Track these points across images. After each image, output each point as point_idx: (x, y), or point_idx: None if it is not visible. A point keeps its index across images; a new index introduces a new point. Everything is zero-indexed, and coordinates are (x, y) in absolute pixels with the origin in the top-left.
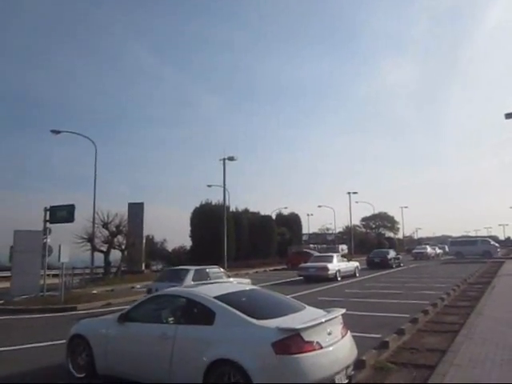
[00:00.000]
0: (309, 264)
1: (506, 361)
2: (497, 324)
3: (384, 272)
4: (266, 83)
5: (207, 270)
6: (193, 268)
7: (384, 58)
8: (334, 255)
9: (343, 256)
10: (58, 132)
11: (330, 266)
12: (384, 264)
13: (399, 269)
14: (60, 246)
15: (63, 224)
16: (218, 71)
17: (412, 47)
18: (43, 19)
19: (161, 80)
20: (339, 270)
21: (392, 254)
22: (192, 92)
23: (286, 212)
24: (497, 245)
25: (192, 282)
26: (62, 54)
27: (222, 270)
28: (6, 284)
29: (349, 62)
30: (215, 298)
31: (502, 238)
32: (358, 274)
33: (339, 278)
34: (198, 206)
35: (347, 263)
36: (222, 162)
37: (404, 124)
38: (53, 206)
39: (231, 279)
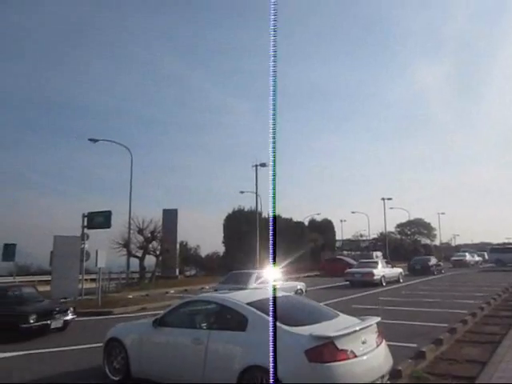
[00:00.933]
0: (355, 270)
1: None
2: None
3: (425, 279)
4: (296, 88)
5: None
6: (255, 271)
7: (418, 58)
8: (379, 261)
9: (387, 262)
10: (95, 140)
11: (375, 271)
12: (425, 271)
13: (440, 276)
14: (97, 252)
15: (100, 230)
16: (247, 76)
17: (448, 46)
18: (76, 25)
19: (191, 86)
20: (384, 276)
21: (433, 260)
22: (220, 97)
23: (319, 218)
24: None
25: (255, 284)
26: (97, 63)
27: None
28: (47, 287)
29: (382, 65)
30: (248, 304)
31: None
32: (401, 280)
33: (384, 284)
34: (230, 212)
35: (391, 269)
36: (254, 168)
37: (441, 126)
38: (91, 213)
39: (290, 283)
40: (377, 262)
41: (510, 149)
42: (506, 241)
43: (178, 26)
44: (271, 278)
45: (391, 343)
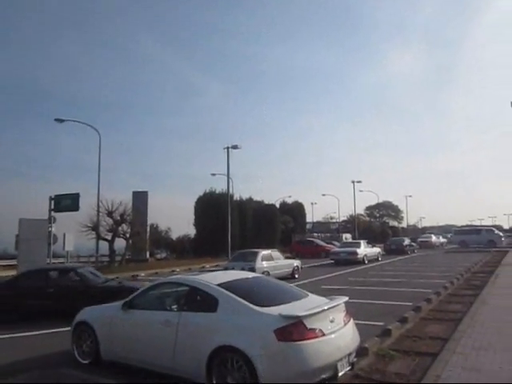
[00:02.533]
0: (340, 249)
1: (508, 349)
2: (500, 312)
3: (399, 258)
4: (271, 72)
5: (271, 252)
6: (261, 250)
7: (390, 45)
8: (362, 242)
9: (368, 243)
10: (61, 120)
11: (358, 250)
12: (400, 250)
13: (412, 255)
14: (65, 235)
15: (68, 213)
16: (223, 59)
17: (417, 34)
18: (48, 8)
19: (166, 69)
20: (366, 255)
21: (407, 241)
22: (197, 80)
23: (289, 201)
24: (501, 234)
25: (261, 261)
26: (67, 44)
27: (278, 252)
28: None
29: (355, 51)
30: (218, 285)
31: (506, 227)
32: (380, 259)
33: (366, 262)
34: (201, 194)
35: (372, 249)
36: (225, 150)
37: (409, 112)
38: (57, 195)
39: (288, 260)
40: (359, 243)
41: (474, 135)
42: (469, 223)
43: (150, 5)
44: (274, 256)
45: (360, 322)
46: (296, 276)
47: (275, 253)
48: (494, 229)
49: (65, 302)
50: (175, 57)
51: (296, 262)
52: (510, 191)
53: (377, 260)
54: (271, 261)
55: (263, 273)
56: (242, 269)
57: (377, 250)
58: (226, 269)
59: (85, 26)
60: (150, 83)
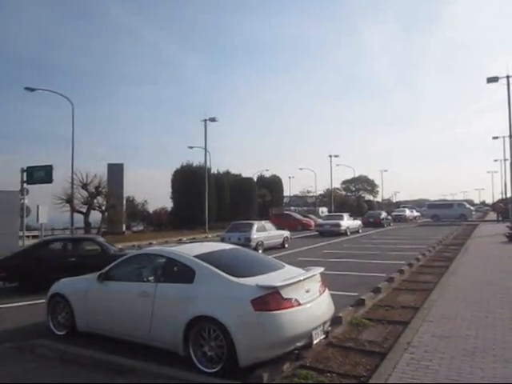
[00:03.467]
0: (324, 221)
1: (475, 316)
2: (468, 283)
3: (376, 230)
4: (247, 44)
5: (264, 224)
6: (255, 222)
7: (365, 19)
8: (345, 215)
9: (350, 215)
10: (32, 89)
11: (342, 223)
12: (377, 223)
13: (388, 228)
14: (38, 207)
15: (42, 185)
16: (198, 30)
17: (393, 7)
18: None
19: (140, 39)
20: (348, 227)
21: (384, 215)
22: (174, 51)
23: (267, 174)
24: (472, 208)
25: (256, 232)
26: (40, 11)
27: (270, 224)
28: None
29: (329, 24)
30: (195, 256)
31: (477, 201)
32: (360, 231)
33: (348, 233)
34: (178, 167)
35: (353, 221)
36: (203, 123)
37: (385, 87)
38: (30, 167)
39: (279, 231)
40: (342, 216)
41: (448, 110)
42: (442, 197)
43: None
44: (267, 227)
45: (335, 292)
46: (286, 246)
47: (268, 224)
48: (465, 203)
49: (87, 271)
50: (149, 27)
51: (286, 233)
52: (482, 167)
53: (357, 232)
54: (264, 231)
55: (258, 242)
56: (239, 239)
57: (358, 222)
58: (222, 239)
59: None
60: (125, 54)
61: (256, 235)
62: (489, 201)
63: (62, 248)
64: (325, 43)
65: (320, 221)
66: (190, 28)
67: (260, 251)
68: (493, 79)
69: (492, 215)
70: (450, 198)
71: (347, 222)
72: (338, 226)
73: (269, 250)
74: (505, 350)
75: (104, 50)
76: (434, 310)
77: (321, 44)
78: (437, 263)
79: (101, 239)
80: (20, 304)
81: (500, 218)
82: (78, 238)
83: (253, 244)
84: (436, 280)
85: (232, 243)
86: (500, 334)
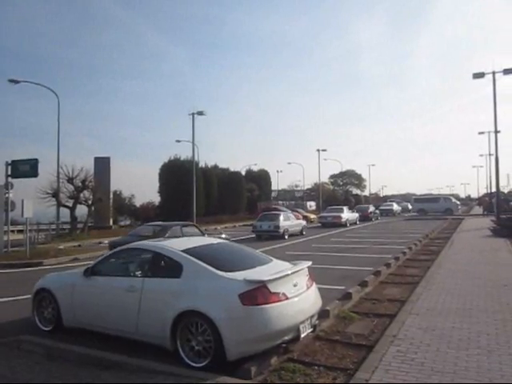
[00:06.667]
0: (326, 214)
1: (460, 309)
2: (453, 276)
3: (365, 224)
4: (236, 39)
5: (288, 214)
6: (281, 213)
7: (356, 16)
8: (344, 208)
9: (349, 208)
10: (16, 82)
11: (342, 215)
12: (365, 217)
13: (375, 222)
14: (23, 201)
15: (27, 179)
16: (187, 24)
17: (382, 5)
18: None
19: (129, 31)
20: (348, 219)
21: (371, 209)
22: (158, 44)
23: (255, 168)
24: (458, 202)
25: (284, 221)
26: (25, 5)
27: (292, 214)
28: None
29: (323, 20)
30: (183, 251)
31: (463, 196)
32: (357, 223)
33: (348, 225)
34: (166, 161)
35: (352, 214)
36: (191, 116)
37: (372, 82)
38: (15, 161)
39: (298, 221)
40: (342, 209)
41: (435, 106)
42: (428, 192)
43: None
44: (290, 217)
45: (323, 286)
46: (304, 233)
47: (290, 214)
48: (451, 197)
49: None
50: (139, 20)
51: (303, 223)
52: (467, 162)
53: (355, 224)
54: (288, 221)
55: (284, 229)
56: (269, 226)
57: (356, 215)
58: (254, 227)
59: None
60: (113, 46)
61: (282, 223)
62: (474, 195)
63: (180, 231)
64: (313, 38)
65: (323, 213)
66: (179, 21)
67: (286, 236)
68: (479, 75)
69: (477, 209)
70: (436, 192)
71: (347, 214)
72: (339, 218)
73: (291, 236)
74: (489, 342)
75: (91, 42)
76: (420, 303)
77: (308, 39)
78: (423, 257)
79: (197, 225)
80: (5, 300)
81: (485, 212)
82: (186, 224)
83: (281, 231)
84: (422, 273)
85: (263, 230)
86: (484, 326)
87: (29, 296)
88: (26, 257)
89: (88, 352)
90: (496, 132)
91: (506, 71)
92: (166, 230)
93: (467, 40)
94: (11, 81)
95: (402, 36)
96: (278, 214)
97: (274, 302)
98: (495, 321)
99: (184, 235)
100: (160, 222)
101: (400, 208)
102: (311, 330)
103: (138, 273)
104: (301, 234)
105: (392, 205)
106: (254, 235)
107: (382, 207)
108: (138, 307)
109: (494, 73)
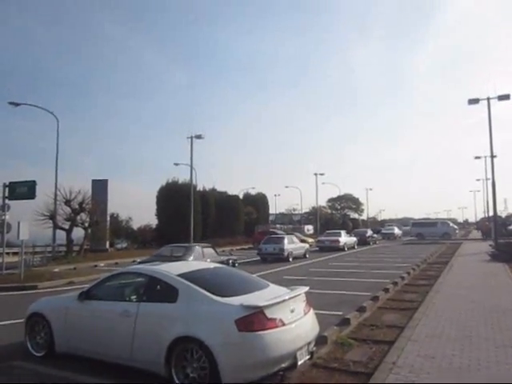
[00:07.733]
0: (324, 238)
1: (460, 336)
2: (452, 301)
3: (362, 248)
4: (235, 61)
5: (292, 237)
6: (286, 236)
7: (350, 35)
8: (342, 232)
9: (347, 232)
10: (16, 104)
11: (340, 239)
12: (363, 241)
13: (374, 246)
14: (19, 223)
15: (24, 200)
16: (187, 46)
17: (377, 25)
18: None
19: (126, 51)
20: (345, 243)
21: (369, 233)
22: (158, 65)
23: (253, 192)
24: (455, 227)
25: (288, 244)
26: (21, 22)
27: (295, 238)
28: None
29: (319, 39)
30: (178, 275)
31: (460, 220)
32: (356, 247)
33: (346, 249)
34: (164, 184)
35: (350, 238)
36: (189, 140)
37: (369, 104)
38: (12, 182)
39: (302, 243)
40: (340, 233)
41: (426, 131)
42: (426, 216)
43: None
44: (294, 240)
45: (320, 311)
46: (307, 256)
47: (294, 237)
48: (448, 222)
49: None
50: (138, 40)
51: (306, 246)
52: (464, 186)
53: (353, 248)
54: (292, 244)
55: (288, 252)
56: (274, 249)
57: (354, 239)
58: (259, 249)
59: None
60: (111, 65)
61: (287, 246)
62: (472, 219)
63: (201, 252)
64: (313, 60)
65: (321, 237)
66: (178, 42)
67: (290, 259)
68: (474, 101)
69: (475, 233)
70: (433, 216)
71: (344, 238)
72: (337, 241)
73: (301, 258)
74: (489, 369)
75: (90, 62)
76: (419, 329)
77: (309, 61)
78: (421, 282)
79: (213, 246)
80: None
81: (484, 237)
82: (205, 245)
83: (285, 253)
84: (420, 299)
85: (268, 253)
86: (484, 352)
87: (22, 320)
88: (20, 280)
89: (80, 379)
90: (492, 157)
91: (501, 97)
92: (190, 250)
93: (467, 61)
94: (11, 103)
95: (398, 56)
96: (283, 237)
97: (270, 328)
98: (496, 348)
99: (204, 256)
100: (184, 244)
101: (401, 232)
102: (308, 356)
103: (134, 297)
104: (304, 256)
105: (393, 229)
106: (258, 258)
107: (383, 231)
108: (133, 333)
109: (488, 99)
